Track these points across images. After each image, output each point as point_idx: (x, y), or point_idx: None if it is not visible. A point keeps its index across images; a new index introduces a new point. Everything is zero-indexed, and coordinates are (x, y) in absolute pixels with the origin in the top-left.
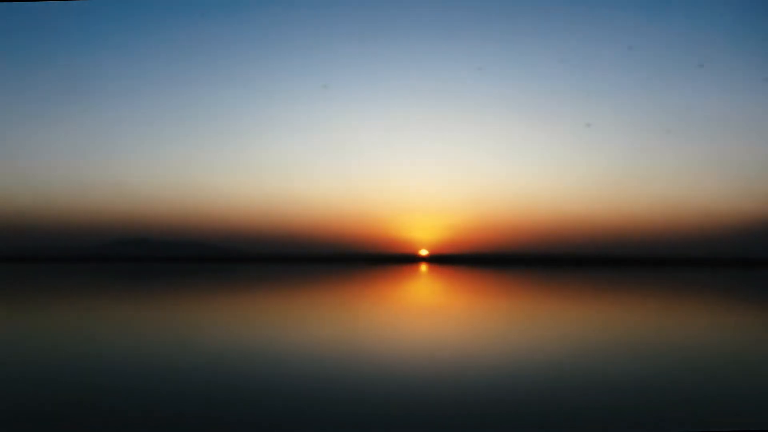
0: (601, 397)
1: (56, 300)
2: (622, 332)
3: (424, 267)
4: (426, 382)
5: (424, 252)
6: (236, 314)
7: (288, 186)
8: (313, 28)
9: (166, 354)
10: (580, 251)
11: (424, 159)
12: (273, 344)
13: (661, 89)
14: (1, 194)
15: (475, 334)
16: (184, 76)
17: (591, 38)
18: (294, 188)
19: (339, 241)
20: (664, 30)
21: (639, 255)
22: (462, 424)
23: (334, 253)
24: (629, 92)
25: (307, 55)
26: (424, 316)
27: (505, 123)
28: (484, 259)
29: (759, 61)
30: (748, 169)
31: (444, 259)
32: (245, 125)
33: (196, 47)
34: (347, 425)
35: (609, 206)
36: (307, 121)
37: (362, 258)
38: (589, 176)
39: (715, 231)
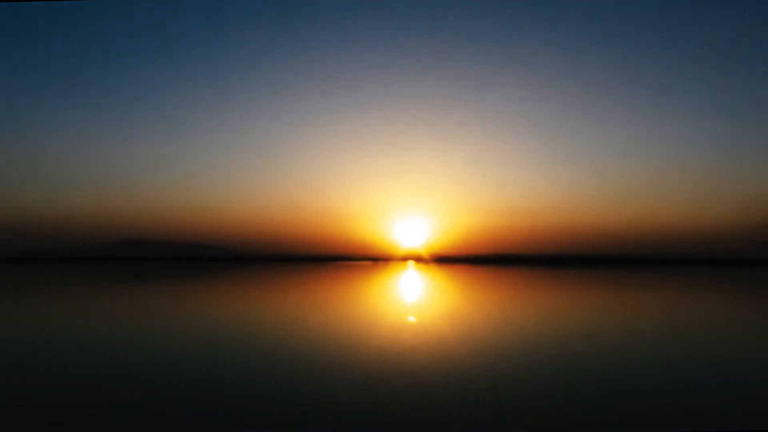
0: (602, 396)
1: (57, 300)
2: (621, 331)
3: (421, 266)
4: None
5: (418, 252)
6: (252, 314)
7: (284, 187)
8: (317, 34)
9: (162, 350)
10: (572, 252)
11: (421, 162)
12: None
13: (657, 98)
14: (2, 195)
15: (481, 331)
16: (182, 78)
17: (588, 45)
18: (290, 189)
19: (337, 241)
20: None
21: (631, 255)
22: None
23: (331, 253)
24: (623, 102)
25: (308, 58)
26: (429, 313)
27: (503, 128)
28: (481, 259)
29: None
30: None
31: (441, 260)
32: (244, 128)
33: (194, 53)
34: (350, 420)
35: (598, 210)
36: (306, 124)
37: (360, 258)
38: (585, 181)
39: (705, 232)
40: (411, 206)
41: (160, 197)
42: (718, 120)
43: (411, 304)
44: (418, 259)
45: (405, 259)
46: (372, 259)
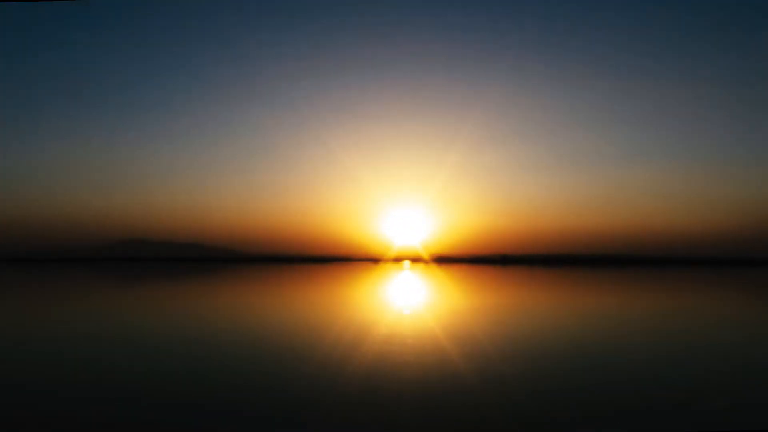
0: (602, 396)
1: (58, 300)
2: (620, 331)
3: (420, 266)
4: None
5: (418, 252)
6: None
7: (283, 187)
8: (312, 33)
9: (161, 349)
10: (573, 252)
11: (418, 161)
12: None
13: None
14: (2, 195)
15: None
16: (181, 80)
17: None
18: (289, 189)
19: (336, 242)
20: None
21: (627, 255)
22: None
23: (330, 254)
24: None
25: (303, 58)
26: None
27: (500, 131)
28: (481, 259)
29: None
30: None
31: (440, 260)
32: (242, 128)
33: (193, 53)
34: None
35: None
36: (304, 123)
37: (359, 258)
38: (585, 183)
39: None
40: (409, 207)
41: (160, 197)
42: (717, 122)
43: (411, 304)
44: (417, 259)
45: (403, 259)
46: (372, 260)
